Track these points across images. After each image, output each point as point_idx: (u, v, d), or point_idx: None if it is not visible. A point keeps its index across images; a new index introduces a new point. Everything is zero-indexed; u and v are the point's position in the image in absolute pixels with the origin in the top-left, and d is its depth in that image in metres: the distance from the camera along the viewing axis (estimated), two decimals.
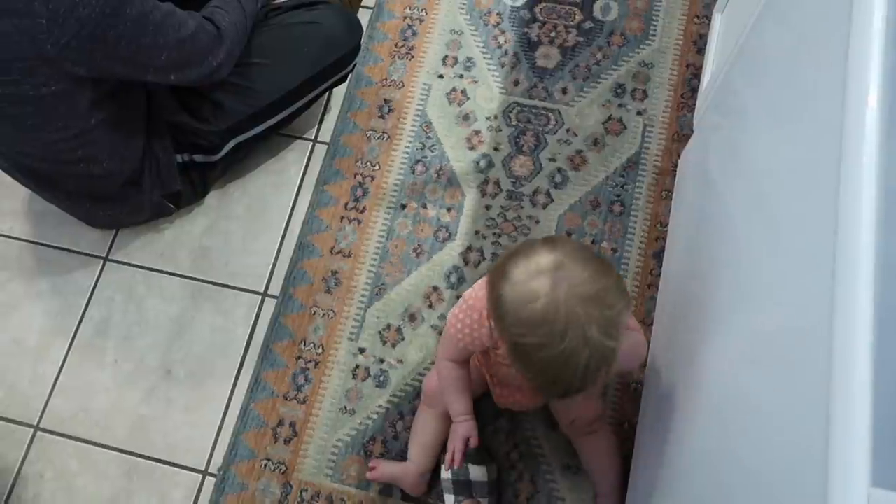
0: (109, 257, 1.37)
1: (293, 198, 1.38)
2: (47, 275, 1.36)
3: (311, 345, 1.27)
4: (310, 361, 1.27)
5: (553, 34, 1.48)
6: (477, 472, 1.10)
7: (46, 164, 1.12)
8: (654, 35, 1.46)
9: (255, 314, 1.31)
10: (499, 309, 0.77)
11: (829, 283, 0.50)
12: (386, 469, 1.14)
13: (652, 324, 1.22)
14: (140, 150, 1.20)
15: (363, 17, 1.50)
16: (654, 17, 1.48)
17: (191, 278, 1.34)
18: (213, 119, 1.25)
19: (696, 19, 1.47)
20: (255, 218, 1.38)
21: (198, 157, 1.30)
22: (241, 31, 1.19)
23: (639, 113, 1.40)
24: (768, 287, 0.69)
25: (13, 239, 1.40)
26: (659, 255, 1.27)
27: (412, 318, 1.28)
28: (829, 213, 0.53)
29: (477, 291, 0.92)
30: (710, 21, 1.38)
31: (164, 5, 1.04)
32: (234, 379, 1.27)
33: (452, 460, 0.99)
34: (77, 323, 1.32)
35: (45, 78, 0.96)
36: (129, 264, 1.36)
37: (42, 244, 1.39)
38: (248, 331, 1.30)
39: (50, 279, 1.36)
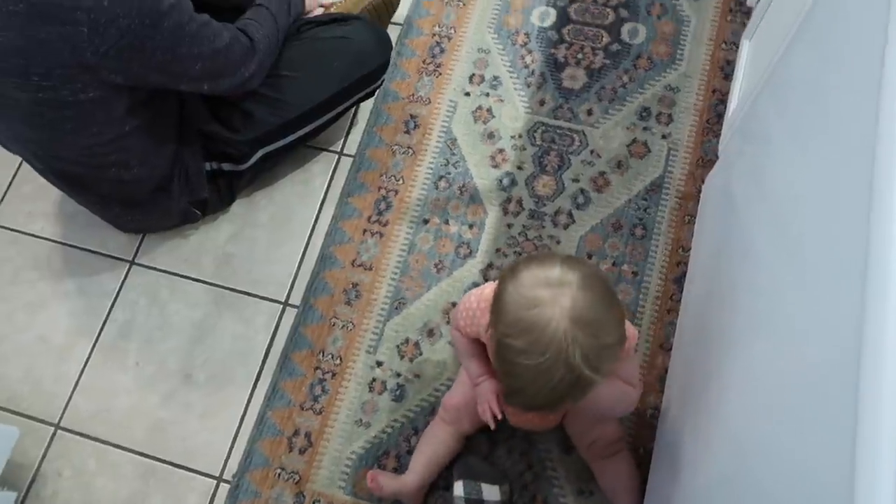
0: (135, 261, 1.39)
1: (317, 209, 1.40)
2: (74, 276, 1.39)
3: (330, 356, 1.28)
4: (327, 372, 1.27)
5: (580, 56, 1.49)
6: (490, 492, 1.10)
7: (80, 167, 1.15)
8: (680, 60, 1.47)
9: (275, 323, 1.32)
10: (498, 303, 0.81)
11: (858, 315, 0.50)
12: (386, 486, 1.12)
13: (671, 349, 1.21)
14: (171, 157, 1.22)
15: (392, 33, 1.52)
16: (681, 42, 1.48)
17: (214, 285, 1.36)
18: (243, 129, 1.27)
19: (723, 45, 1.47)
20: (280, 227, 1.39)
21: (226, 166, 1.32)
22: (273, 44, 1.22)
23: (663, 137, 1.40)
24: (792, 317, 0.68)
25: (44, 239, 1.42)
26: (680, 281, 1.27)
27: (430, 333, 1.29)
28: (859, 244, 0.52)
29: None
30: (737, 47, 1.38)
31: (200, 17, 1.06)
32: (252, 386, 1.28)
33: (493, 416, 0.98)
34: (101, 324, 1.35)
35: (83, 84, 0.98)
36: (155, 268, 1.38)
37: (71, 245, 1.41)
38: (268, 339, 1.31)
39: (77, 280, 1.38)
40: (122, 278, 1.38)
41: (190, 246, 1.40)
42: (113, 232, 1.39)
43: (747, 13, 1.47)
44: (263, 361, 1.30)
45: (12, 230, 1.44)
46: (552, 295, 0.76)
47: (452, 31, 1.54)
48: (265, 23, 1.22)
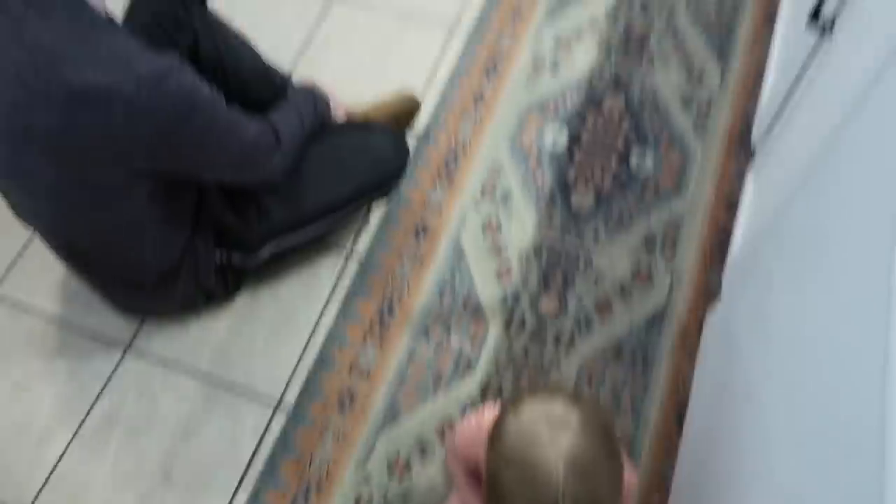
0: (131, 346, 1.38)
1: (321, 309, 1.40)
2: (67, 357, 1.37)
3: (317, 465, 1.25)
4: (313, 485, 1.24)
5: (589, 178, 1.53)
6: None
7: (92, 247, 1.15)
8: (686, 191, 1.51)
9: (265, 425, 1.29)
10: (496, 431, 0.79)
11: (877, 473, 0.46)
12: None
13: (669, 491, 1.19)
14: (183, 244, 1.23)
15: (410, 140, 1.57)
16: (687, 174, 1.53)
17: (207, 379, 1.34)
18: (257, 222, 1.29)
19: (728, 180, 1.52)
20: (281, 325, 1.39)
21: (235, 258, 1.33)
22: (297, 142, 1.25)
23: (667, 267, 1.42)
24: (798, 473, 0.67)
25: (40, 316, 1.41)
26: (680, 418, 1.26)
27: (423, 450, 1.26)
28: (872, 402, 0.51)
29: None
30: (742, 183, 1.42)
31: (231, 110, 1.09)
32: (232, 493, 1.24)
33: None
34: (87, 411, 1.32)
35: (110, 168, 1.00)
36: (149, 356, 1.37)
37: (68, 325, 1.40)
38: (256, 441, 1.28)
39: (68, 362, 1.36)
40: (115, 364, 1.36)
41: (189, 335, 1.38)
42: (112, 315, 1.38)
43: (752, 152, 1.52)
44: (248, 466, 1.26)
45: (12, 303, 1.43)
46: (552, 435, 0.75)
47: (467, 143, 1.59)
48: (292, 121, 1.25)
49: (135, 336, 1.39)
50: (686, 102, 1.62)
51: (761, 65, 1.62)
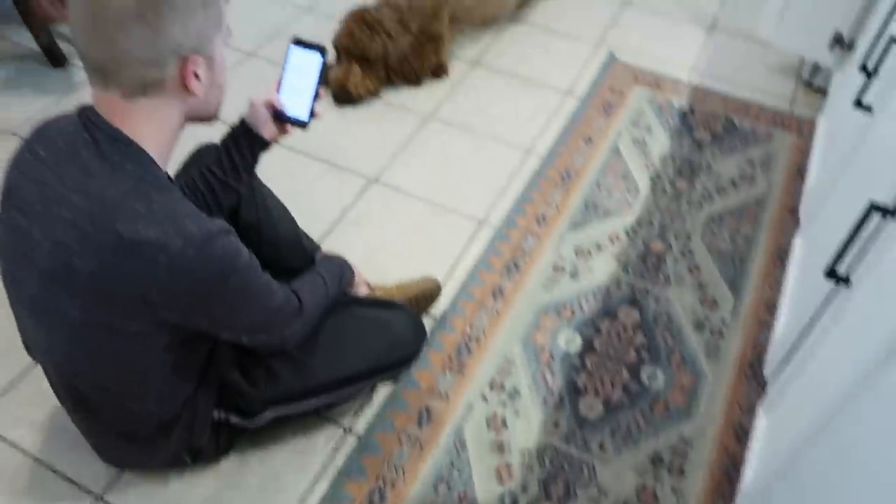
0: (104, 497, 1.30)
1: (311, 485, 1.33)
2: (34, 496, 1.29)
3: None
4: None
5: (599, 387, 1.53)
6: None
7: (95, 390, 1.13)
8: (696, 413, 1.49)
9: None
10: None
11: None
12: None
13: None
14: (185, 398, 1.20)
15: (426, 322, 1.59)
16: (698, 396, 1.52)
17: None
18: (264, 385, 1.27)
19: (739, 408, 1.51)
20: (266, 496, 1.32)
21: (234, 419, 1.29)
22: (319, 312, 1.27)
23: (673, 490, 1.37)
24: None
25: (19, 450, 1.35)
26: None
27: None
28: None
29: None
30: (753, 414, 1.41)
31: (263, 275, 1.11)
32: None
33: None
34: None
35: (137, 317, 1.01)
36: None
37: (44, 464, 1.33)
38: None
39: (35, 500, 1.28)
40: None
41: (168, 493, 1.31)
42: (92, 460, 1.31)
43: (764, 384, 1.53)
44: None
45: None
46: None
47: (482, 334, 1.61)
48: (317, 290, 1.27)
49: (109, 486, 1.31)
50: (699, 325, 1.66)
51: (774, 299, 1.68)
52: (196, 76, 0.99)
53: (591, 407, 1.49)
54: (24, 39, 2.29)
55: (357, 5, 2.19)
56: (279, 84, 1.23)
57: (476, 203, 1.91)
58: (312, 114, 1.24)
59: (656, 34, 2.57)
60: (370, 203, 1.90)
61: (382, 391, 1.48)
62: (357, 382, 1.36)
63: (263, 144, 1.26)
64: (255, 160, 1.28)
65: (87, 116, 0.99)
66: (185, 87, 0.99)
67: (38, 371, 1.44)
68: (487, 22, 2.52)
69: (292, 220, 1.52)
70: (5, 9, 2.36)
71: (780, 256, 1.80)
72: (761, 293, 1.73)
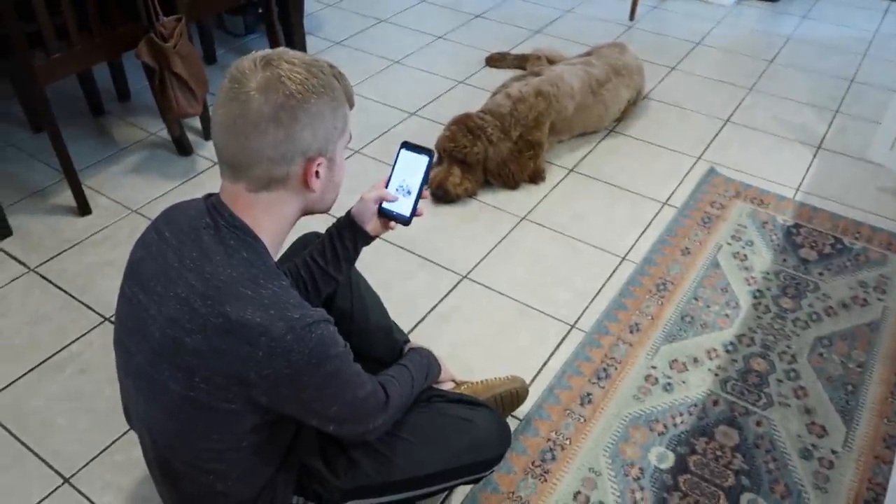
0: None
1: None
2: None
3: None
4: None
5: None
6: None
7: (184, 465, 1.14)
8: None
9: None
10: None
11: None
12: None
13: None
14: (266, 480, 1.20)
15: (510, 424, 1.54)
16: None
17: None
18: (344, 475, 1.25)
19: None
20: None
21: None
22: (404, 406, 1.25)
23: None
24: None
25: None
26: None
27: None
28: None
29: None
30: None
31: (355, 365, 1.13)
32: None
33: None
34: None
35: (231, 395, 1.03)
36: None
37: None
38: None
39: None
40: None
41: None
42: None
43: None
44: None
45: (82, 494, 1.40)
46: None
47: (568, 441, 1.54)
48: (404, 384, 1.27)
49: None
50: (806, 453, 1.53)
51: (892, 434, 1.53)
52: (317, 175, 1.05)
53: None
54: (158, 129, 2.54)
55: (462, 111, 2.30)
56: (387, 182, 1.29)
57: (566, 306, 1.89)
58: (415, 212, 1.28)
59: (759, 151, 2.54)
60: (461, 299, 1.91)
61: (460, 491, 1.43)
62: (437, 481, 1.31)
63: (366, 238, 1.31)
64: (356, 253, 1.33)
65: (212, 203, 1.06)
66: (305, 184, 1.05)
67: (131, 438, 1.48)
68: (587, 133, 2.59)
69: (384, 311, 1.54)
70: (146, 103, 2.63)
71: None
72: (878, 426, 1.59)
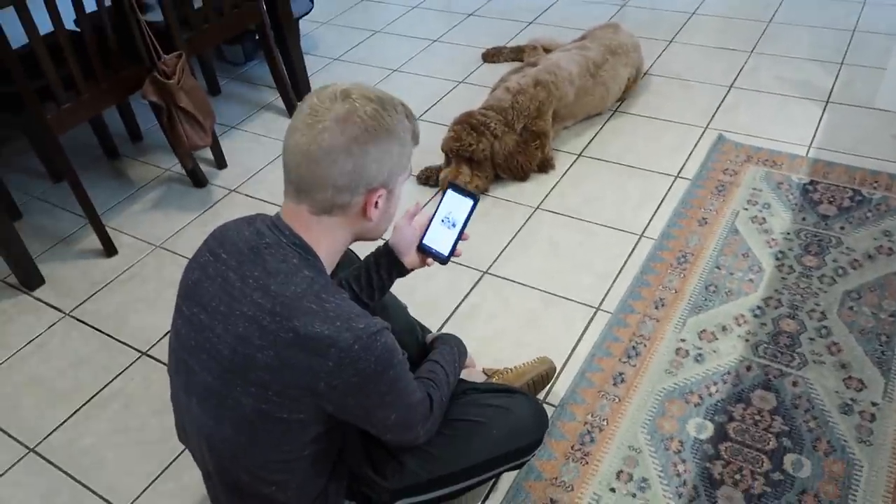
0: None
1: None
2: None
3: None
4: None
5: (738, 477, 1.42)
6: None
7: (248, 476, 1.17)
8: None
9: None
10: None
11: None
12: None
13: None
14: (320, 489, 1.23)
15: (546, 411, 1.55)
16: (853, 487, 1.38)
17: None
18: (392, 477, 1.27)
19: None
20: None
21: None
22: (445, 406, 1.28)
23: None
24: None
25: None
26: None
27: None
28: None
29: None
30: None
31: (409, 371, 1.16)
32: None
33: None
34: None
35: (301, 406, 1.06)
36: None
37: None
38: None
39: None
40: None
41: None
42: None
43: None
44: None
45: None
46: None
47: (605, 422, 1.55)
48: (441, 385, 1.29)
49: None
50: (846, 408, 1.52)
51: None
52: (376, 205, 1.10)
53: (729, 498, 1.38)
54: (172, 164, 2.59)
55: (463, 110, 2.33)
56: (431, 220, 1.31)
57: (589, 290, 1.90)
58: (454, 252, 1.31)
59: (767, 112, 2.53)
60: (484, 295, 1.93)
61: (506, 479, 1.45)
62: (481, 471, 1.33)
63: (402, 271, 1.34)
64: (391, 282, 1.36)
65: (273, 222, 1.11)
66: (364, 213, 1.10)
67: (179, 464, 1.53)
68: (591, 116, 2.59)
69: (406, 312, 1.57)
70: (157, 141, 2.69)
71: None
72: None
